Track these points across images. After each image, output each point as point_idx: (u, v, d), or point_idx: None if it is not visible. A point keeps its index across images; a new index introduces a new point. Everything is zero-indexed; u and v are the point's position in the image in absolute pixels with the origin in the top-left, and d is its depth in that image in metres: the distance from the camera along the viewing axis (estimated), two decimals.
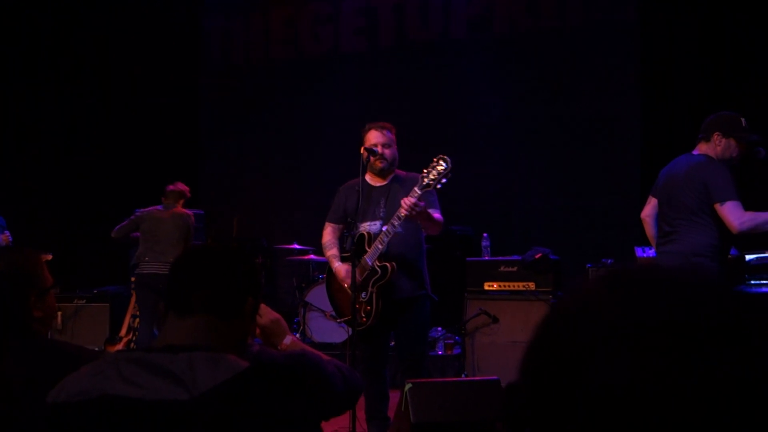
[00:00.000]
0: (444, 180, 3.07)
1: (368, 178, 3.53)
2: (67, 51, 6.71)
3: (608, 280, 0.48)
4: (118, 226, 5.29)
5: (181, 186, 5.39)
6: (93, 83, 6.85)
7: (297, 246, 5.97)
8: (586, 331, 0.44)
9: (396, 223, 3.19)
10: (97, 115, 6.86)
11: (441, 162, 3.08)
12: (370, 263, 3.32)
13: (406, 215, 3.13)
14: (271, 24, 7.03)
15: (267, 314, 1.64)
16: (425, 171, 3.12)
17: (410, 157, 3.57)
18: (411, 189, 3.18)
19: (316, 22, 6.88)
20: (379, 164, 3.40)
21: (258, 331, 1.60)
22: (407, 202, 3.09)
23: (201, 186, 7.15)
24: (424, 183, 3.11)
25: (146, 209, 5.34)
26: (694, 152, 3.16)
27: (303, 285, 5.70)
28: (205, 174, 7.21)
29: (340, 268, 3.45)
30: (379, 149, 3.38)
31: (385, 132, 3.43)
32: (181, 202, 5.38)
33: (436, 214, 3.33)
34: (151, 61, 6.83)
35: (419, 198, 3.13)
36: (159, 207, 5.33)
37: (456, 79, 6.32)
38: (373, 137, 3.42)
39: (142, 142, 6.89)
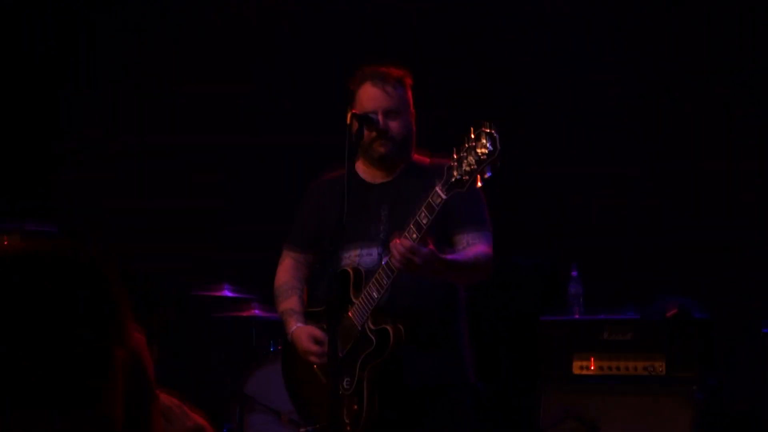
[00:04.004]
0: (488, 173, 3.11)
1: (361, 169, 3.60)
2: None
3: None
4: None
5: None
6: None
7: (228, 293, 6.01)
8: None
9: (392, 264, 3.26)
10: None
11: (483, 138, 3.09)
12: (359, 325, 3.37)
13: (400, 269, 3.19)
14: None
15: (181, 418, 1.70)
16: (455, 156, 3.16)
17: (434, 136, 3.62)
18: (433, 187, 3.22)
19: None
20: (380, 148, 3.47)
21: None
22: (398, 248, 3.13)
23: (56, 187, 7.19)
24: (454, 178, 3.14)
25: None
26: None
27: (240, 364, 5.73)
28: (62, 166, 7.26)
29: (302, 332, 3.51)
30: (380, 120, 3.45)
31: (390, 89, 3.48)
32: None
33: (477, 247, 3.39)
34: None
35: (443, 205, 3.17)
36: None
37: (524, 7, 6.37)
38: (370, 98, 3.48)
39: None
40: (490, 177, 3.10)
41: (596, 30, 6.16)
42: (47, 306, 1.26)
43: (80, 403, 1.27)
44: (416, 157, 3.58)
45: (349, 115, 3.44)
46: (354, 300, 3.39)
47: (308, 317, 3.58)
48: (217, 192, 6.87)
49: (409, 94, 3.54)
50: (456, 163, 3.13)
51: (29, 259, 1.29)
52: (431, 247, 3.17)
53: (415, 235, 3.17)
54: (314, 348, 3.45)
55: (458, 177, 3.13)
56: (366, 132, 3.44)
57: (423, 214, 3.18)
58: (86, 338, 1.28)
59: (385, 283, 3.29)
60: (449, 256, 3.30)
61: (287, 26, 6.79)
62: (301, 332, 3.51)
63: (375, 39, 6.27)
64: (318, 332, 3.47)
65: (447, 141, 3.30)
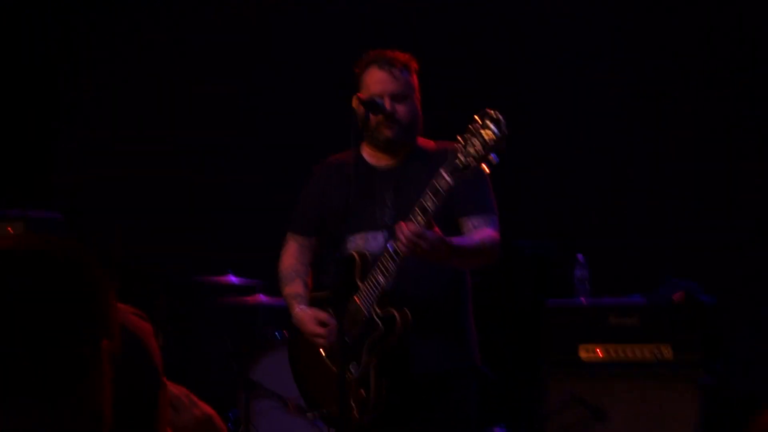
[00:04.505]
0: (493, 156, 3.11)
1: (366, 153, 3.60)
2: None
3: None
4: None
5: None
6: None
7: (233, 279, 6.02)
8: None
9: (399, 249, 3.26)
10: None
11: (488, 123, 3.11)
12: (365, 310, 3.37)
13: (406, 253, 3.20)
14: None
15: (189, 408, 1.69)
16: (461, 139, 3.16)
17: (437, 118, 3.61)
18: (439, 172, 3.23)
19: None
20: (386, 131, 3.47)
21: None
22: (404, 233, 3.14)
23: (57, 172, 7.22)
24: (459, 162, 3.15)
25: None
26: None
27: (245, 350, 5.75)
28: (63, 152, 7.28)
29: (304, 315, 3.52)
30: (386, 104, 3.44)
31: (396, 72, 3.50)
32: None
33: (483, 231, 3.40)
34: None
35: (450, 189, 3.17)
36: None
37: (524, 7, 6.37)
38: (376, 81, 3.49)
39: None
40: (496, 161, 3.11)
41: (601, 27, 6.18)
42: (29, 301, 1.26)
43: (66, 396, 1.27)
44: (421, 141, 3.59)
45: (355, 100, 3.45)
46: (360, 285, 3.39)
47: (314, 302, 3.59)
48: (219, 176, 6.89)
49: (415, 78, 3.55)
50: (462, 147, 3.13)
51: (9, 255, 1.29)
52: (437, 231, 3.17)
53: (420, 219, 3.18)
54: (320, 330, 3.46)
55: (464, 161, 3.14)
56: (372, 116, 3.44)
57: (428, 198, 3.19)
58: (70, 331, 1.28)
59: (391, 268, 3.30)
60: (455, 240, 3.30)
61: (288, 26, 6.82)
62: (305, 315, 3.52)
63: (375, 39, 6.26)
64: (322, 314, 3.48)
65: (450, 131, 3.32)
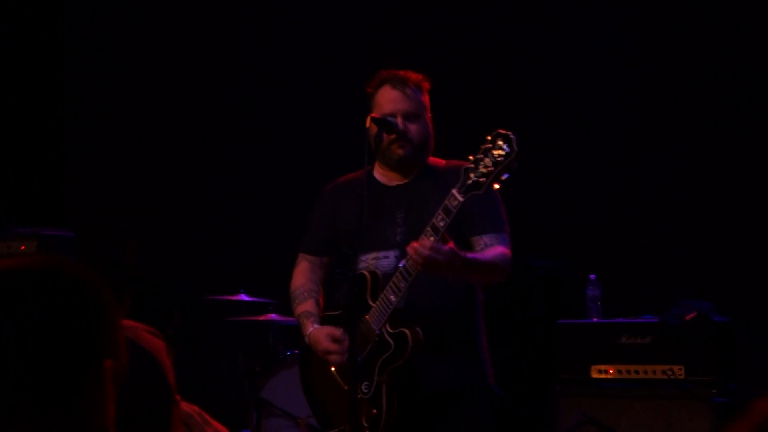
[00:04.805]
0: (505, 175, 3.13)
1: (378, 172, 3.62)
2: None
3: None
4: None
5: None
6: None
7: (245, 297, 6.04)
8: None
9: (412, 266, 3.28)
10: None
11: (499, 142, 3.14)
12: (376, 329, 3.38)
13: (420, 268, 3.21)
14: None
15: (200, 426, 1.70)
16: (472, 158, 3.18)
17: (448, 137, 3.62)
18: (449, 190, 3.24)
19: None
20: (398, 150, 3.49)
21: None
22: (419, 249, 3.16)
23: (69, 191, 7.26)
24: (471, 181, 3.17)
25: None
26: None
27: (257, 369, 5.76)
28: (75, 169, 7.32)
29: (318, 333, 3.53)
30: (399, 123, 3.46)
31: (409, 91, 3.52)
32: None
33: (495, 248, 3.41)
34: None
35: (459, 208, 3.18)
36: None
37: (539, 6, 6.39)
38: (389, 100, 3.51)
39: None
40: (507, 179, 3.12)
41: (618, 37, 6.18)
42: (32, 320, 1.26)
43: (68, 415, 1.27)
44: (432, 159, 3.60)
45: (368, 119, 3.47)
46: (372, 304, 3.40)
47: (325, 321, 3.59)
48: (232, 196, 6.92)
49: (427, 98, 3.56)
50: (473, 166, 3.15)
51: (12, 274, 1.30)
52: (451, 244, 3.19)
53: (432, 239, 3.19)
54: (333, 347, 3.46)
55: (475, 179, 3.15)
56: (385, 135, 3.46)
57: (440, 217, 3.20)
58: (73, 350, 1.28)
59: (402, 286, 3.31)
60: (469, 255, 3.32)
61: (301, 50, 6.85)
62: (319, 333, 3.52)
63: (387, 59, 6.31)
64: (336, 331, 3.48)
65: (462, 150, 3.33)
